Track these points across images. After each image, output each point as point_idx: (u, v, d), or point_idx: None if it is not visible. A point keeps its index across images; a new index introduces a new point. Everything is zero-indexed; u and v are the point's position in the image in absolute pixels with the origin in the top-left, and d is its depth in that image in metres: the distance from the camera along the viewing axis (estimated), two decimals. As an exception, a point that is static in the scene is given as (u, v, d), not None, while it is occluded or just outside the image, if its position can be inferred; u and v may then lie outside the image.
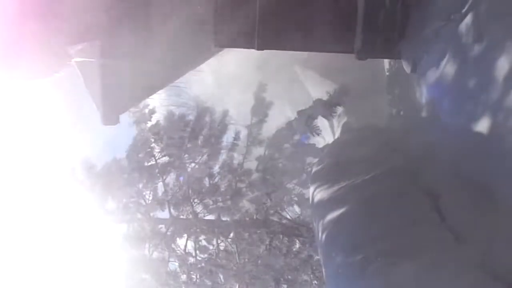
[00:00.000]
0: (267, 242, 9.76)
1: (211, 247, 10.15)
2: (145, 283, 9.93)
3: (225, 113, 9.74)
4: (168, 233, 9.94)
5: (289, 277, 9.53)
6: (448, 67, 4.95)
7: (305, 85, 10.98)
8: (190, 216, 9.89)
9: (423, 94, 5.99)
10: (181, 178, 9.83)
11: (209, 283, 10.03)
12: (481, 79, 4.23)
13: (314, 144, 8.84)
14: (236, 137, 9.70)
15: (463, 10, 4.65)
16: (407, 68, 6.41)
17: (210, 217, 10.05)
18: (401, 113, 7.82)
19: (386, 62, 8.73)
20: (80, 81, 8.32)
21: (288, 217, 9.92)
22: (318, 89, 9.71)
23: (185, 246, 10.01)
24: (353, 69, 8.57)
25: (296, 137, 8.73)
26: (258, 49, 6.92)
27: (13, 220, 9.37)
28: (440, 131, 5.28)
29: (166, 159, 9.65)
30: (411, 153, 6.10)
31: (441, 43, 5.18)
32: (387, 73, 8.65)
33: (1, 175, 9.47)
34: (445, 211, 4.75)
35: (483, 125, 4.15)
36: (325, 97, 8.23)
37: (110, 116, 8.14)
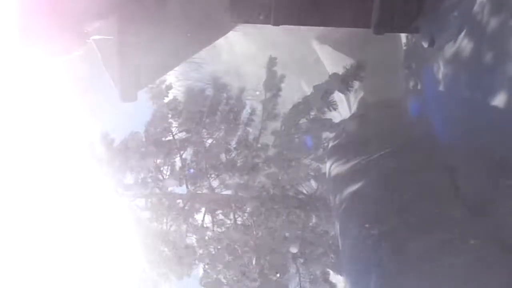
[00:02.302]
0: (283, 217, 9.82)
1: (228, 222, 10.23)
2: (164, 256, 10.07)
3: (242, 89, 9.74)
4: (186, 207, 10.04)
5: (306, 251, 9.60)
6: (466, 41, 4.92)
7: (321, 60, 10.92)
8: (207, 191, 9.97)
9: (440, 69, 5.96)
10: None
11: (226, 256, 10.15)
12: (499, 52, 4.20)
13: (331, 119, 8.83)
14: (252, 112, 9.71)
15: (482, -17, 4.60)
16: (424, 42, 6.36)
17: (227, 192, 10.12)
18: (418, 88, 7.77)
19: (403, 36, 8.66)
20: (98, 58, 8.37)
21: (305, 192, 9.96)
22: (334, 64, 9.66)
23: (203, 220, 10.11)
24: (370, 44, 8.50)
25: (313, 112, 8.73)
26: (274, 25, 6.89)
27: (32, 195, 9.53)
28: (457, 105, 5.26)
29: (183, 134, 9.69)
30: (429, 127, 6.08)
31: (459, 17, 5.14)
32: (404, 48, 8.58)
33: (21, 150, 9.62)
34: (462, 185, 4.76)
35: (500, 99, 4.15)
36: (341, 72, 8.19)
37: (128, 93, 8.20)
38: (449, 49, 5.38)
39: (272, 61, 9.15)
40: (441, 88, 6.02)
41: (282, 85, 9.34)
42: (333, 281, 9.99)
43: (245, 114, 9.78)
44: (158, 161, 9.82)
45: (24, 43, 6.45)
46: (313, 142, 9.03)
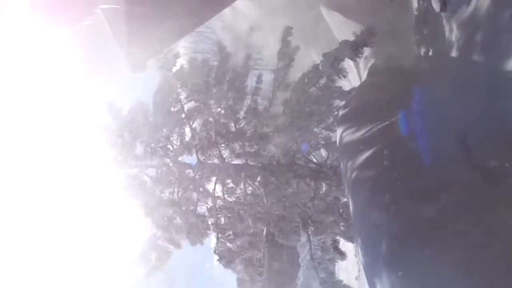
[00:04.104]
0: (294, 186, 9.86)
1: (238, 191, 10.30)
2: (175, 224, 10.18)
3: (248, 57, 9.66)
4: (196, 177, 10.10)
5: (317, 219, 9.66)
6: (480, 2, 4.82)
7: (330, 27, 10.80)
8: (218, 161, 10.00)
9: (453, 33, 5.88)
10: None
11: (237, 225, 10.25)
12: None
13: (341, 87, 8.77)
14: (259, 81, 9.64)
15: None
16: (436, 6, 6.26)
17: (237, 161, 10.15)
18: (430, 53, 7.69)
19: (414, 0, 8.53)
20: (106, 28, 8.33)
21: (315, 160, 9.97)
22: (344, 31, 9.55)
23: (214, 189, 10.18)
24: (380, 9, 8.38)
25: (323, 80, 8.66)
26: (283, -9, 6.80)
27: (40, 165, 9.58)
28: (470, 69, 5.21)
29: (192, 104, 9.67)
30: (439, 93, 6.03)
31: (473, -22, 5.04)
32: (415, 13, 8.45)
33: (28, 121, 9.64)
34: (473, 151, 4.74)
35: (515, 63, 4.09)
36: (351, 39, 8.09)
37: (137, 63, 8.18)
38: (463, 12, 5.30)
39: (287, 31, 9.03)
40: (453, 53, 5.95)
41: (295, 56, 9.24)
42: (343, 249, 10.10)
43: (253, 83, 9.73)
44: (168, 131, 9.84)
45: (31, 14, 6.42)
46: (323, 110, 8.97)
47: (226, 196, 10.18)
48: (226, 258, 10.41)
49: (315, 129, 9.32)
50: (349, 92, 8.69)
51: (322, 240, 10.04)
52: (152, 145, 9.82)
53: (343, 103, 8.56)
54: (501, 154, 4.25)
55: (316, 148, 9.74)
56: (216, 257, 10.60)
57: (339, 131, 7.31)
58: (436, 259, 3.97)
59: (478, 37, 4.95)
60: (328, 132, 9.33)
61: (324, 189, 9.96)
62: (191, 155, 9.89)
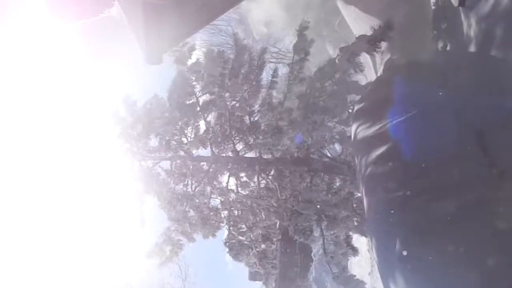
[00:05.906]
0: (307, 180, 9.85)
1: (252, 184, 10.31)
2: (188, 217, 10.23)
3: (264, 50, 9.63)
4: (211, 170, 10.13)
5: (330, 213, 9.64)
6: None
7: (346, 21, 10.73)
8: (231, 154, 10.02)
9: (471, 28, 5.80)
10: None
11: (250, 218, 10.27)
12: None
13: (357, 81, 8.71)
14: (275, 74, 9.61)
15: None
16: (454, 1, 6.19)
17: (251, 154, 10.16)
18: (447, 49, 7.61)
19: (432, -5, 8.45)
20: (123, 20, 8.33)
21: (329, 155, 9.94)
22: (360, 25, 9.49)
23: (227, 182, 10.21)
24: (397, 3, 8.31)
25: (338, 74, 8.60)
26: (299, -16, 6.76)
27: (54, 156, 9.65)
28: (489, 65, 5.14)
29: (207, 97, 9.68)
30: (456, 89, 5.96)
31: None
32: (433, 7, 8.37)
33: (41, 112, 9.70)
34: (490, 148, 4.68)
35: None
36: (368, 33, 8.03)
37: (154, 56, 8.19)
38: (482, 7, 5.23)
39: (304, 24, 8.97)
40: (471, 48, 5.88)
41: (310, 49, 9.17)
42: (357, 244, 10.08)
43: (268, 76, 9.70)
44: (182, 123, 9.87)
45: (48, 5, 6.43)
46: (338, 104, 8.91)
47: (239, 189, 10.20)
48: (236, 250, 10.46)
49: (330, 124, 9.26)
50: (365, 86, 8.63)
51: (335, 235, 10.02)
52: (167, 137, 9.86)
53: (358, 97, 8.51)
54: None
55: (331, 143, 9.69)
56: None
57: (353, 126, 7.26)
58: (451, 258, 3.94)
59: (497, 33, 4.88)
60: (342, 127, 9.27)
61: (338, 183, 9.94)
62: (205, 148, 9.92)
